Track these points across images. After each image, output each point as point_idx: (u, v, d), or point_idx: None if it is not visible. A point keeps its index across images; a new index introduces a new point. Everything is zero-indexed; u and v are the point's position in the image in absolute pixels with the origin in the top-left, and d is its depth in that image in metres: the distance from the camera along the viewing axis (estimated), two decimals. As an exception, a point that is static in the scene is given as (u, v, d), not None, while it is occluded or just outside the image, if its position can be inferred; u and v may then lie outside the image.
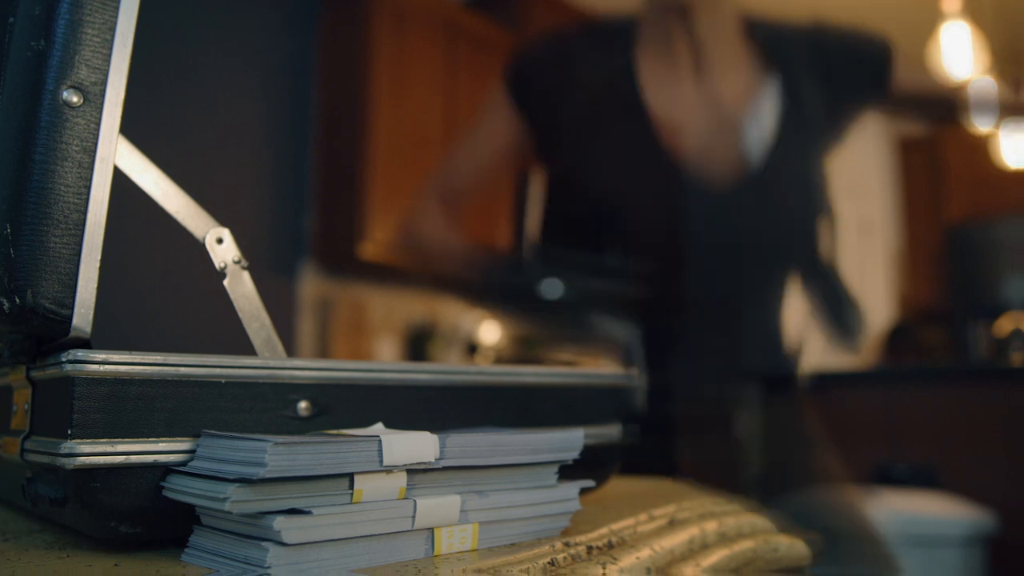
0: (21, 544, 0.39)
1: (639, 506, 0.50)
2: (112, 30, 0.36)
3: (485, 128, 1.04)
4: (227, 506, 0.31)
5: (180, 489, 0.34)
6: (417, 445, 0.36)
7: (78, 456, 0.33)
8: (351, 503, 0.34)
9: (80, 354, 0.33)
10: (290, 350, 3.19)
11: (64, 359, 0.33)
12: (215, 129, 2.91)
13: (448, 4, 3.42)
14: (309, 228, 3.19)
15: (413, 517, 0.36)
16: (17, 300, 0.34)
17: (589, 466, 0.46)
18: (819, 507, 0.92)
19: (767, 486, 0.95)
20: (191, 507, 0.35)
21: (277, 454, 0.31)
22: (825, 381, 2.38)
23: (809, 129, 0.98)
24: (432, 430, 0.38)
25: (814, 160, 1.00)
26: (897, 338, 3.96)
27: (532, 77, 1.02)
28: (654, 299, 0.89)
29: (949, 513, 1.81)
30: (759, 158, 0.94)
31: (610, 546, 0.42)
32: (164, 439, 0.35)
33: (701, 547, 0.47)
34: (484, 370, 0.46)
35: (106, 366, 0.34)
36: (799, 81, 0.97)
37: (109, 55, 0.36)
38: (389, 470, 0.35)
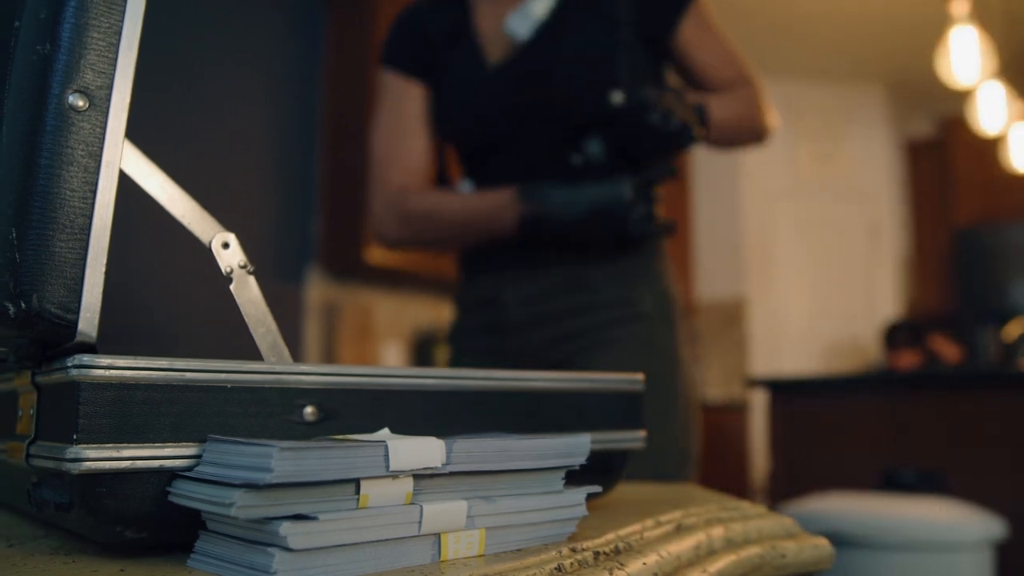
0: (26, 549, 0.38)
1: (646, 512, 0.50)
2: (118, 34, 0.36)
3: (397, 105, 1.18)
4: (233, 511, 0.31)
5: (186, 494, 0.34)
6: (424, 450, 0.36)
7: (84, 461, 0.33)
8: (357, 508, 0.34)
9: (86, 359, 0.33)
10: (296, 355, 3.17)
11: (70, 364, 0.33)
12: (221, 133, 2.92)
13: (454, 8, 3.42)
14: (315, 233, 3.19)
15: (419, 522, 0.36)
16: (23, 304, 0.34)
17: (596, 472, 0.46)
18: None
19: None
20: (197, 512, 0.35)
21: (283, 459, 0.31)
22: (831, 386, 2.38)
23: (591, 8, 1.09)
24: (439, 435, 0.38)
25: (601, 35, 1.08)
26: (898, 334, 3.91)
27: (401, 44, 1.22)
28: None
29: (957, 518, 1.80)
30: (528, 36, 1.08)
31: (617, 552, 0.42)
32: (170, 444, 0.35)
33: (708, 553, 0.46)
34: (491, 375, 0.46)
35: (112, 371, 0.34)
36: None
37: (115, 59, 0.36)
38: (395, 475, 0.35)
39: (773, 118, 1.17)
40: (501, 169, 1.11)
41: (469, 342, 1.16)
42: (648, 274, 1.10)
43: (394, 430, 0.41)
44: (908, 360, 3.76)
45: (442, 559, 0.37)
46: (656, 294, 1.09)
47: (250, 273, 0.41)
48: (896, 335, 3.87)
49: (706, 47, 1.12)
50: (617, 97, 0.94)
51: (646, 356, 1.04)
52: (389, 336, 3.41)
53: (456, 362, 1.18)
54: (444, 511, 0.37)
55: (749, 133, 1.15)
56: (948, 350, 3.84)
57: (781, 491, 2.37)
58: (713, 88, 1.13)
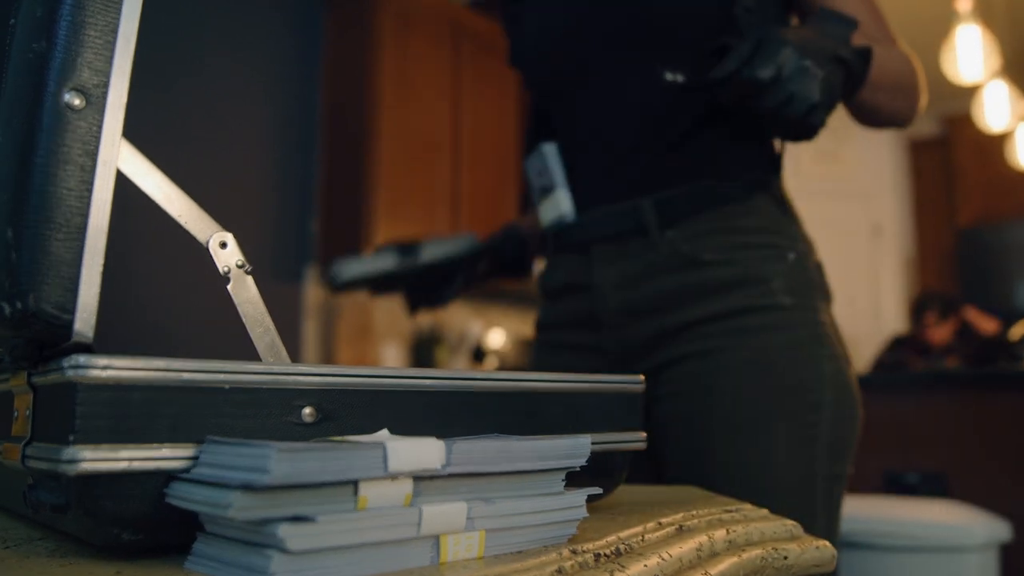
0: (22, 552, 0.38)
1: (647, 514, 0.49)
2: (114, 32, 0.35)
3: None
4: (231, 513, 0.31)
5: (183, 496, 0.34)
6: (423, 452, 0.36)
7: (80, 462, 0.33)
8: (356, 510, 0.34)
9: (82, 359, 0.33)
10: (294, 356, 3.17)
11: (66, 364, 0.33)
12: (219, 133, 2.92)
13: (453, 5, 3.42)
14: (314, 232, 3.19)
15: (419, 524, 0.35)
16: (19, 304, 0.34)
17: (596, 473, 0.46)
18: None
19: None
20: (194, 514, 0.34)
21: (281, 461, 0.31)
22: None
23: None
24: (438, 437, 0.37)
25: None
26: (927, 307, 3.79)
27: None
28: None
29: (961, 521, 1.80)
30: None
31: (618, 554, 0.41)
32: (167, 445, 0.35)
33: (710, 555, 0.46)
34: (491, 376, 0.46)
35: (109, 371, 0.34)
36: None
37: (111, 57, 0.35)
38: (394, 477, 0.35)
39: (925, 95, 0.92)
40: (588, 112, 0.93)
41: (556, 336, 0.98)
42: (776, 242, 0.87)
43: (393, 431, 0.41)
44: (941, 334, 3.64)
45: (441, 561, 0.37)
46: (789, 267, 0.86)
47: (248, 273, 0.41)
48: (925, 308, 3.71)
49: None
50: (719, 71, 0.72)
51: (787, 362, 0.84)
52: (388, 336, 3.41)
53: (538, 358, 1.01)
54: (443, 513, 0.36)
55: (904, 103, 0.89)
56: (984, 323, 3.72)
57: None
58: None
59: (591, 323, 0.93)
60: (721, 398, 0.84)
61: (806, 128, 0.75)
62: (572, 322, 0.95)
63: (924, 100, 0.91)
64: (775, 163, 0.94)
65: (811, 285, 0.88)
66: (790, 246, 0.88)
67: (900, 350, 3.77)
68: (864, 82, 0.80)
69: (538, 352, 1.02)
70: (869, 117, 0.90)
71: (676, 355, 0.87)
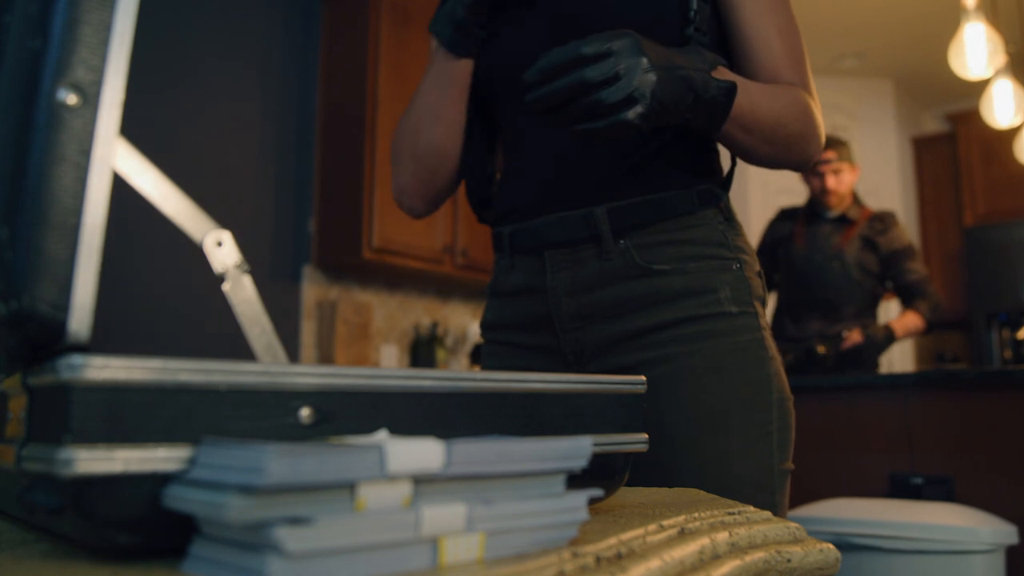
0: (17, 555, 0.38)
1: (648, 516, 0.49)
2: (109, 29, 0.35)
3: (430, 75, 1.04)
4: (227, 515, 0.31)
5: (180, 498, 0.34)
6: (422, 453, 0.35)
7: (76, 464, 0.32)
8: (354, 512, 0.33)
9: (77, 360, 0.33)
10: (292, 356, 3.17)
11: (61, 365, 0.33)
12: (216, 131, 2.91)
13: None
14: (312, 232, 3.19)
15: (418, 526, 0.35)
16: (13, 304, 0.34)
17: (598, 475, 0.45)
18: None
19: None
20: (191, 516, 0.34)
21: (279, 463, 0.31)
22: (837, 388, 2.36)
23: None
24: (437, 438, 0.37)
25: None
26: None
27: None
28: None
29: (967, 523, 1.79)
30: None
31: (619, 556, 0.41)
32: (163, 447, 0.35)
33: (712, 558, 0.46)
34: (490, 377, 0.45)
35: (104, 372, 0.33)
36: None
37: (107, 54, 0.35)
38: (393, 478, 0.34)
39: (819, 143, 0.93)
40: (536, 121, 0.94)
41: (510, 336, 1.00)
42: (722, 254, 0.92)
43: (392, 432, 0.41)
44: (849, 179, 3.07)
45: (440, 563, 0.36)
46: (733, 277, 0.91)
47: (245, 272, 0.41)
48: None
49: (761, 13, 0.91)
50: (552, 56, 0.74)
51: (736, 365, 0.88)
52: (386, 337, 3.41)
53: (491, 358, 1.02)
54: (443, 515, 0.36)
55: (780, 152, 0.89)
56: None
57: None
58: (758, 79, 0.91)
59: (548, 325, 0.95)
60: (678, 400, 0.88)
61: (617, 120, 0.72)
62: (529, 324, 0.97)
63: (813, 151, 0.92)
64: (725, 177, 0.98)
65: (752, 293, 0.93)
66: (734, 257, 0.92)
67: (787, 222, 3.22)
68: (727, 114, 0.81)
69: (490, 352, 1.03)
70: (743, 156, 0.91)
71: (630, 361, 0.91)
